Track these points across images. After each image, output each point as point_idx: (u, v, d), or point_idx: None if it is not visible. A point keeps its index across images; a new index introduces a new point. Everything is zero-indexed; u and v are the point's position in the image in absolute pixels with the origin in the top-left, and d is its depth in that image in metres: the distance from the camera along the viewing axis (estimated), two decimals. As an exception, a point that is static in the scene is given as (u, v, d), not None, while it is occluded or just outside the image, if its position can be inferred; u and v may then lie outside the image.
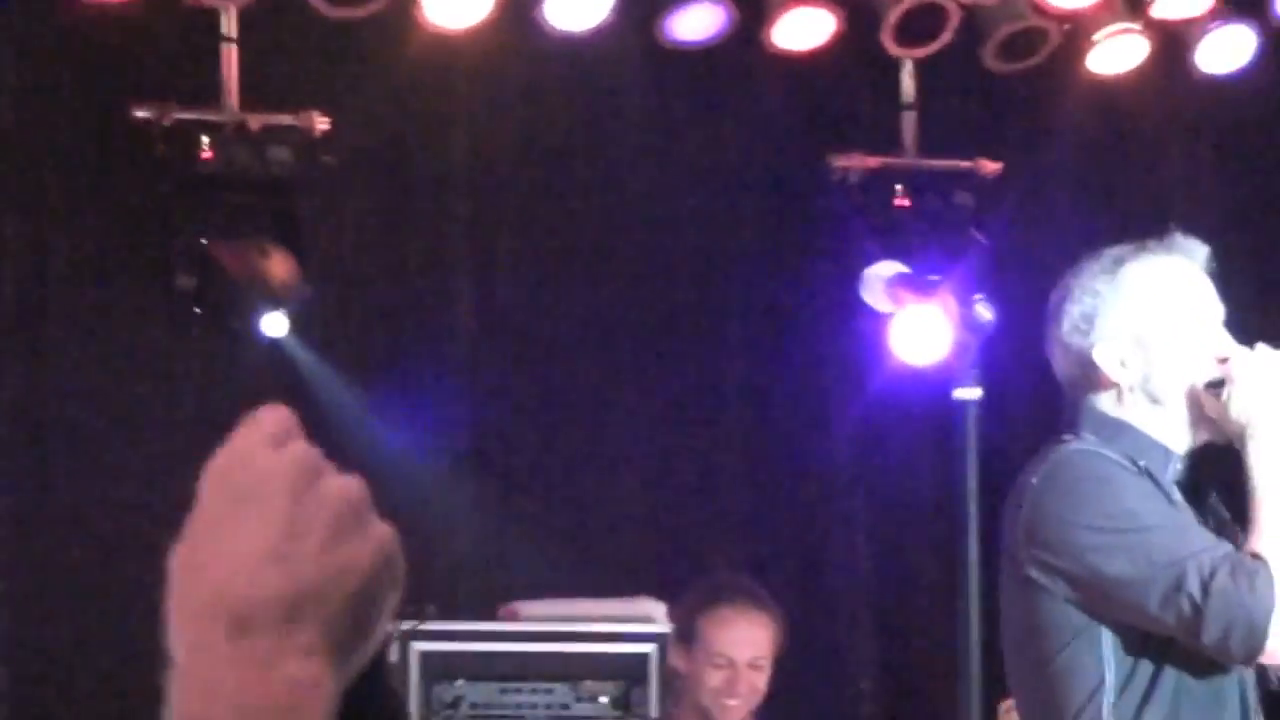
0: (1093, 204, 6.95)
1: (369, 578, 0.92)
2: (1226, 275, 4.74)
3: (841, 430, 6.56)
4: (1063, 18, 6.28)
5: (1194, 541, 3.46)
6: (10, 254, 6.39)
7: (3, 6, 6.11)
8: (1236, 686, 3.56)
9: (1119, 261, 3.57)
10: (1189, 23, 6.40)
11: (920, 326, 5.38)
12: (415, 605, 5.55)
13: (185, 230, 5.76)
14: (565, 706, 5.81)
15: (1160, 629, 3.45)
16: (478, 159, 6.72)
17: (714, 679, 5.27)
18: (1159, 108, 6.74)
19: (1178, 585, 3.39)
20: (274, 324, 5.77)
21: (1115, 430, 3.55)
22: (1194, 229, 6.47)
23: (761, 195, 6.77)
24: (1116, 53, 6.32)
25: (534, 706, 5.85)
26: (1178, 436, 3.52)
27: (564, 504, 6.70)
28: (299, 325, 5.90)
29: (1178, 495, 3.58)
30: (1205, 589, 3.38)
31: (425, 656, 5.62)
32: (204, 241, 5.65)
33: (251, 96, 5.85)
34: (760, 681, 5.30)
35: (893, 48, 6.27)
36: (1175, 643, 3.46)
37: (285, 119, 5.74)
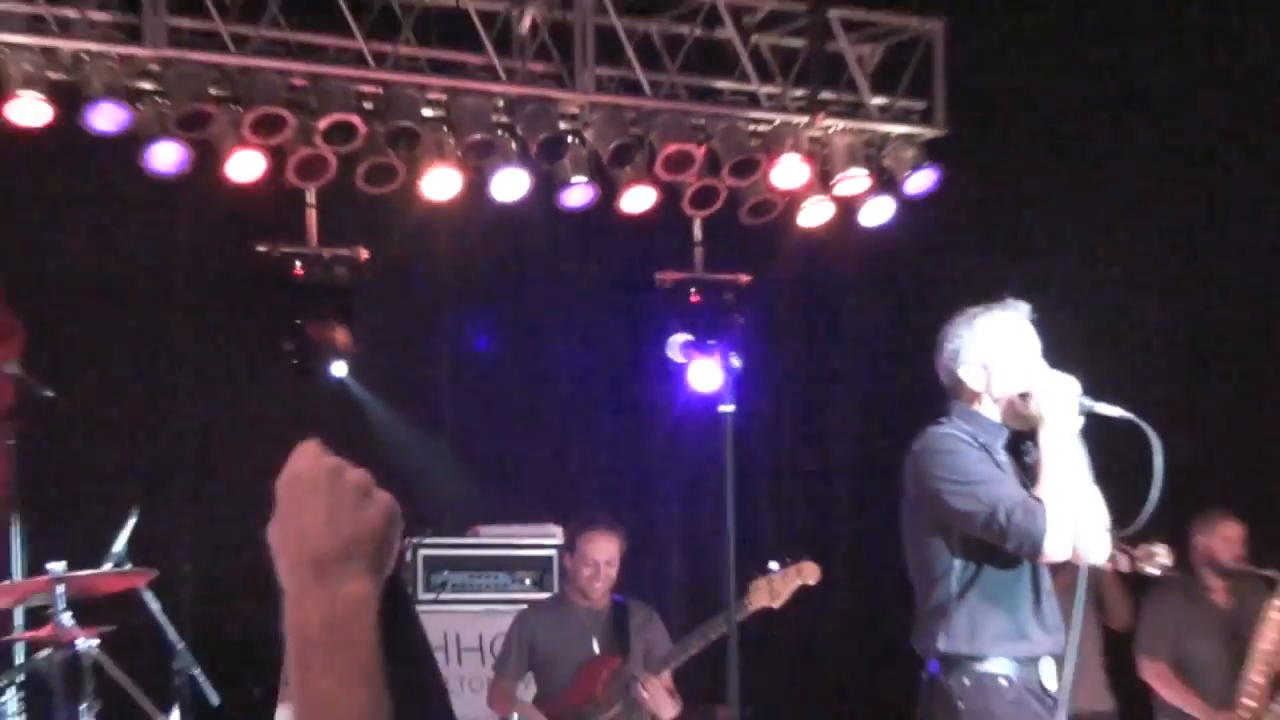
0: (802, 300, 9.52)
1: (384, 527, 1.35)
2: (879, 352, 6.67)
3: (661, 425, 8.63)
4: (784, 193, 8.26)
5: (1005, 489, 4.39)
6: (186, 331, 8.53)
7: (179, 179, 7.50)
8: (1029, 572, 4.51)
9: (974, 316, 4.53)
10: (856, 196, 8.40)
11: (702, 371, 6.82)
12: (419, 527, 8.05)
13: (287, 316, 7.98)
14: (505, 586, 8.11)
15: (985, 539, 4.41)
16: (455, 272, 8.87)
17: (585, 573, 6.90)
18: (838, 244, 8.68)
19: (992, 516, 4.31)
20: (339, 370, 8.11)
21: (967, 418, 4.51)
22: (861, 315, 8.83)
23: (615, 292, 9.00)
24: (815, 213, 8.38)
25: (488, 585, 8.16)
26: (1004, 422, 4.48)
27: (512, 467, 8.99)
28: (354, 371, 8.26)
29: (1003, 458, 4.51)
30: (1009, 518, 4.29)
31: (426, 558, 8.08)
32: (298, 322, 7.91)
33: (325, 235, 7.97)
34: (613, 573, 6.94)
35: (688, 210, 8.25)
36: (992, 545, 4.41)
37: (343, 251, 7.93)
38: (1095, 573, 5.98)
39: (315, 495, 1.35)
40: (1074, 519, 4.35)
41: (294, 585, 1.33)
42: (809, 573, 6.67)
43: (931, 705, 4.57)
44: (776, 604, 6.62)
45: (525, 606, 7.38)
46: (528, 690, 7.12)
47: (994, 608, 4.46)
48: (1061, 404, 4.35)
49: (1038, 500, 4.32)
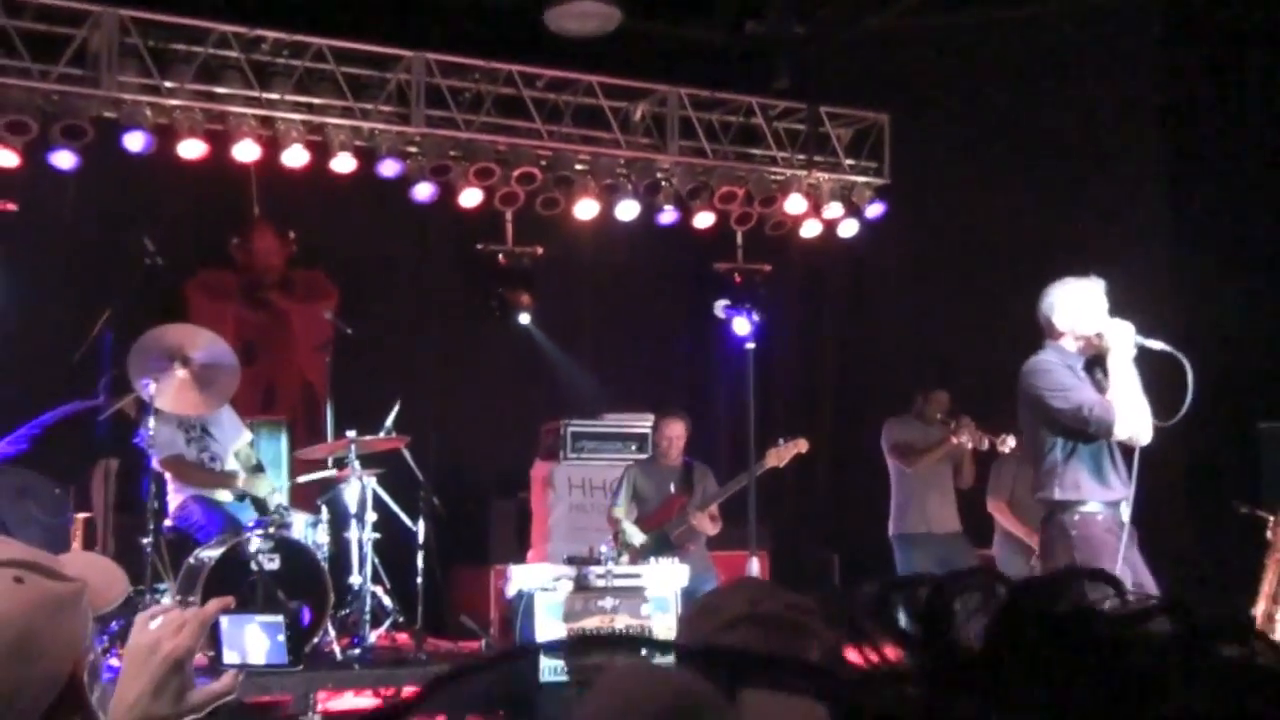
0: (802, 281, 10.30)
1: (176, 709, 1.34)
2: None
3: (713, 355, 9.40)
4: (792, 217, 9.29)
5: (1086, 394, 4.56)
6: (435, 293, 9.53)
7: (434, 203, 8.31)
8: (1105, 447, 4.63)
9: (1065, 282, 4.72)
10: (835, 219, 9.29)
11: (738, 323, 7.18)
12: (569, 412, 8.82)
13: (493, 287, 9.35)
14: (619, 450, 8.81)
15: (1074, 426, 4.60)
16: (593, 264, 9.72)
17: (663, 444, 7.57)
18: (824, 248, 9.60)
19: (1079, 411, 4.54)
20: (524, 319, 9.37)
21: (1056, 350, 4.67)
22: (839, 290, 9.96)
23: (689, 275, 9.97)
24: (810, 229, 9.27)
25: (609, 450, 8.82)
26: (1082, 351, 4.66)
27: (625, 376, 9.59)
28: (534, 320, 9.46)
29: (1082, 374, 4.63)
30: (1090, 412, 4.51)
31: (573, 432, 8.84)
32: (500, 290, 9.29)
33: (517, 238, 9.20)
34: (681, 443, 7.50)
35: (734, 226, 9.30)
36: (1079, 429, 4.61)
37: (528, 248, 9.25)
38: (959, 450, 7.55)
39: (140, 670, 1.37)
40: (1131, 413, 4.58)
41: None
42: (801, 445, 7.35)
43: (1052, 534, 4.74)
44: (781, 464, 7.27)
45: (631, 463, 7.98)
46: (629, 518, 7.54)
47: (1086, 469, 4.67)
48: (1123, 340, 4.59)
49: (1108, 400, 4.57)
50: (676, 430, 7.44)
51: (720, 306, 6.78)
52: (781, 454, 7.18)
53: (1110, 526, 4.61)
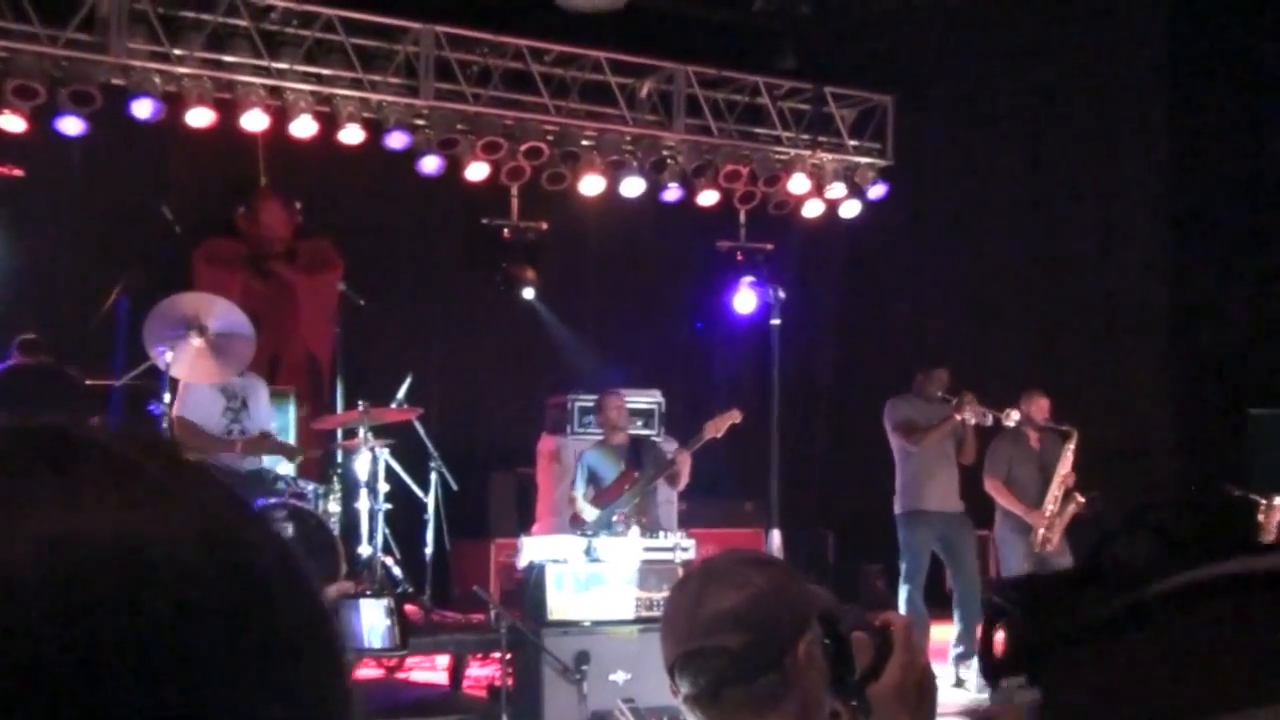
0: (804, 258, 10.14)
1: None
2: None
3: (733, 331, 9.51)
4: (795, 197, 9.27)
5: None
6: (442, 264, 9.41)
7: (441, 177, 8.28)
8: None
9: None
10: (838, 199, 9.39)
11: (743, 299, 8.71)
12: (576, 387, 8.72)
13: (498, 261, 9.28)
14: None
15: None
16: (599, 238, 9.73)
17: (608, 423, 7.51)
18: (828, 227, 9.62)
19: None
20: (528, 294, 9.34)
21: None
22: (839, 267, 10.18)
23: (694, 252, 9.91)
24: (813, 209, 9.37)
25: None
26: None
27: (631, 354, 9.48)
28: (538, 294, 9.42)
29: None
30: None
31: (579, 407, 8.64)
32: (505, 265, 9.23)
33: (522, 213, 9.11)
34: (623, 420, 7.51)
35: (737, 205, 9.34)
36: None
37: (533, 223, 9.15)
38: (961, 426, 7.56)
39: None
40: None
41: None
42: (735, 415, 7.27)
43: None
44: (719, 434, 7.25)
45: (585, 448, 7.87)
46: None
47: None
48: None
49: None
50: (617, 405, 7.51)
51: (747, 282, 7.28)
52: (718, 424, 7.20)
53: None
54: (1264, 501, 6.94)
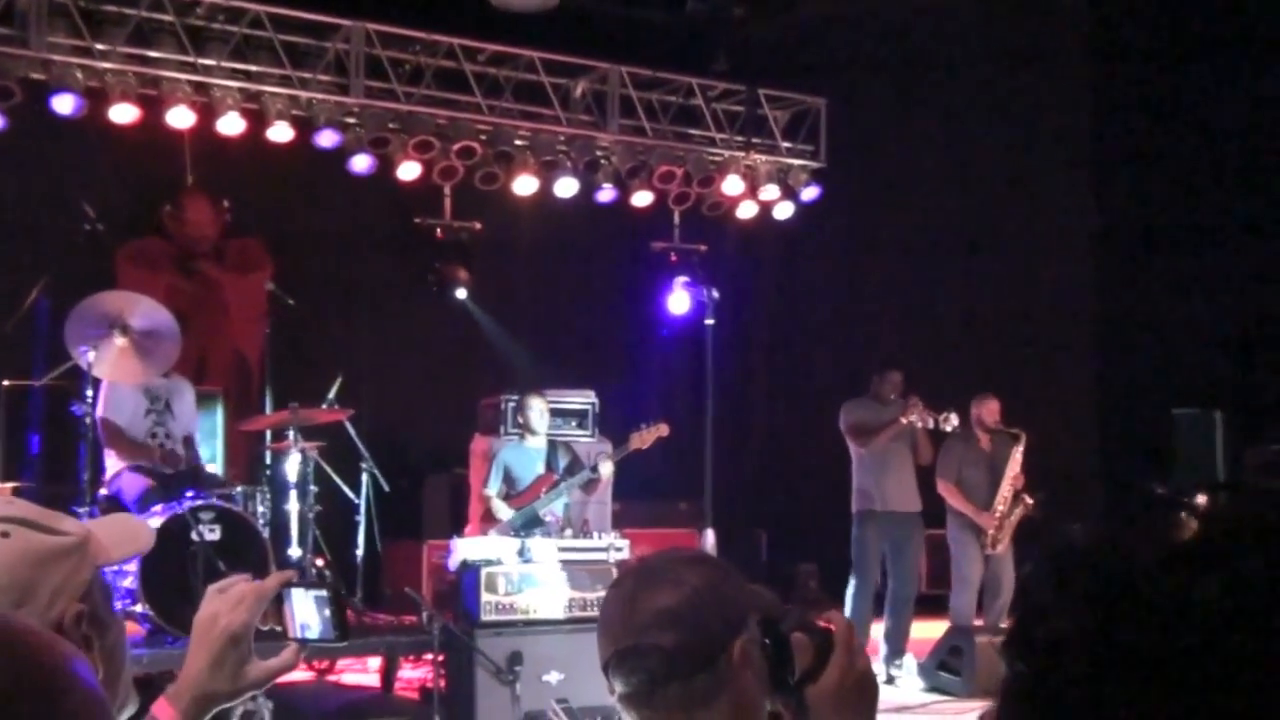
0: (737, 259, 10.30)
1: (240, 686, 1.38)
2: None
3: (667, 332, 9.55)
4: (729, 198, 9.31)
5: None
6: (373, 264, 9.23)
7: (373, 177, 8.16)
8: None
9: None
10: (771, 201, 9.29)
11: (678, 300, 8.70)
12: (509, 388, 8.48)
13: (431, 261, 9.25)
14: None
15: None
16: (532, 239, 9.62)
17: (530, 423, 7.39)
18: (761, 229, 9.64)
19: None
20: (460, 294, 9.30)
21: None
22: (772, 266, 10.16)
23: (626, 254, 10.01)
24: (747, 210, 9.33)
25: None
26: None
27: (564, 354, 9.60)
28: (470, 295, 9.39)
29: None
30: None
31: (512, 408, 8.20)
32: (437, 265, 9.19)
33: (456, 213, 9.08)
34: (544, 421, 7.42)
35: (671, 206, 9.31)
36: None
37: (466, 223, 9.15)
38: (912, 428, 7.60)
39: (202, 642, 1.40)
40: None
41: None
42: (663, 429, 7.32)
43: None
44: (645, 447, 7.33)
45: (502, 445, 7.89)
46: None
47: None
48: None
49: None
50: (539, 407, 7.49)
51: (681, 283, 7.25)
52: (644, 437, 7.25)
53: None
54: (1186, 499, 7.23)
